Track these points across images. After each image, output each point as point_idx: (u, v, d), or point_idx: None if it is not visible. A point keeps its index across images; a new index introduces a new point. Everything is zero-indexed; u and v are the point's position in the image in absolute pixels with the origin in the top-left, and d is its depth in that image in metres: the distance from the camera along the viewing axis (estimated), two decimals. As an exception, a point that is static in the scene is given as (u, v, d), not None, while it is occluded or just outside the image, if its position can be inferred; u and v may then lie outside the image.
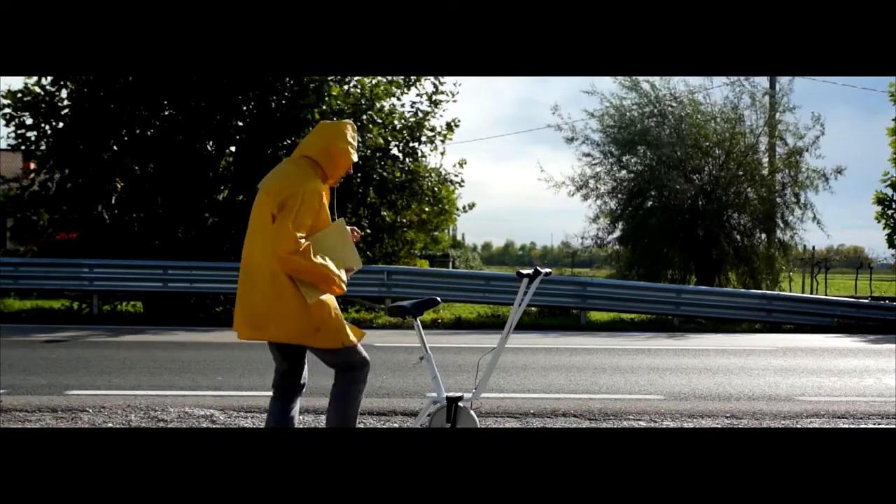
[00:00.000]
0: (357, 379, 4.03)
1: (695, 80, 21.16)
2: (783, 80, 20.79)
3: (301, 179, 3.87)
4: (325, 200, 3.97)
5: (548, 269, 4.57)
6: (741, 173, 20.38)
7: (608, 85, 24.83)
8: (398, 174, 15.96)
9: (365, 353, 4.08)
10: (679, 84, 20.93)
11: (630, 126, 20.68)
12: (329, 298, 3.94)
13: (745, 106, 20.87)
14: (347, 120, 4.13)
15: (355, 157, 4.08)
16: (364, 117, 15.69)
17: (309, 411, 6.02)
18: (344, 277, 3.92)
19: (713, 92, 21.18)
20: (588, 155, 21.16)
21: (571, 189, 21.29)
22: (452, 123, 16.73)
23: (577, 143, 21.20)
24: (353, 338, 3.99)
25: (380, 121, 16.04)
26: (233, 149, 15.90)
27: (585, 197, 21.30)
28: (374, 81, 16.11)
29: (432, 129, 16.58)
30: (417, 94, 16.66)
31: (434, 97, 16.50)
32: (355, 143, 4.06)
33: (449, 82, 16.71)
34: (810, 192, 20.66)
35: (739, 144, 20.44)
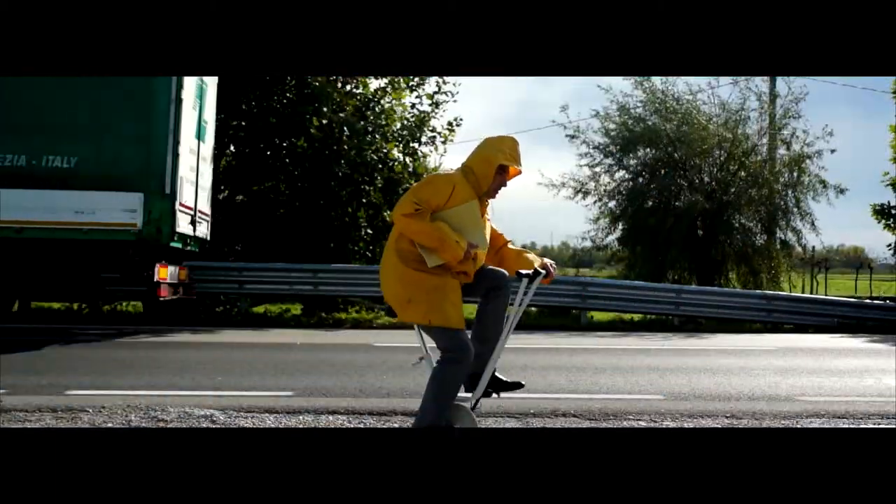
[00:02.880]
0: (448, 359, 4.22)
1: (700, 80, 21.08)
2: (795, 87, 20.59)
3: (440, 172, 4.49)
4: (466, 200, 4.26)
5: (547, 270, 4.56)
6: (743, 174, 20.36)
7: (617, 82, 24.56)
8: (399, 169, 15.93)
9: (467, 342, 4.26)
10: (683, 83, 20.89)
11: (634, 125, 20.63)
12: (434, 278, 4.21)
13: (752, 108, 20.83)
14: (510, 136, 4.45)
15: (510, 167, 4.35)
16: (362, 123, 15.68)
17: (308, 411, 6.02)
18: (464, 246, 4.16)
19: (717, 91, 21.07)
20: (588, 154, 21.13)
21: (570, 192, 21.23)
22: (454, 122, 16.69)
23: (579, 141, 21.15)
24: (449, 322, 4.19)
25: (384, 123, 16.03)
26: (232, 149, 15.90)
27: (584, 195, 21.25)
28: (375, 83, 16.11)
29: (433, 130, 16.56)
30: (417, 96, 16.63)
31: (436, 96, 16.46)
32: (510, 157, 4.32)
33: (449, 82, 16.69)
34: (811, 201, 20.64)
35: (741, 145, 20.43)
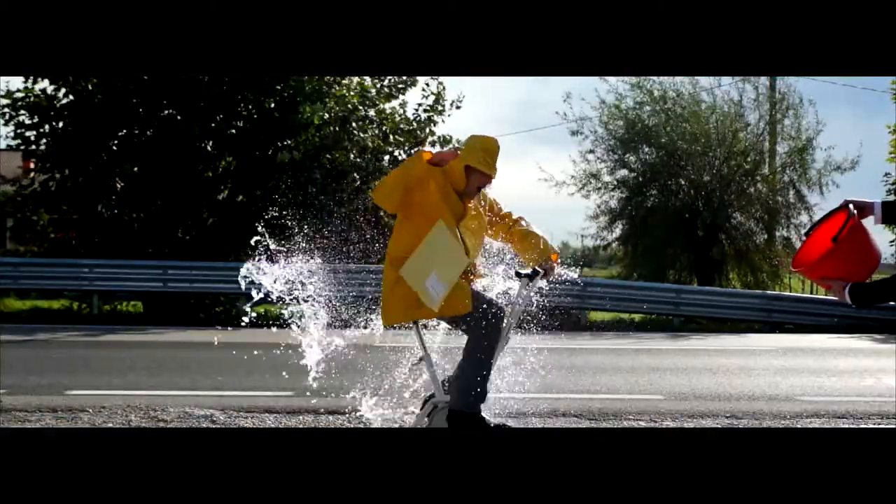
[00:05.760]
0: (477, 319, 4.22)
1: (701, 79, 21.07)
2: (790, 80, 20.67)
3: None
4: (441, 193, 4.23)
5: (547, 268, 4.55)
6: (742, 172, 20.35)
7: (613, 82, 24.18)
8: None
9: (483, 299, 4.28)
10: (683, 82, 20.84)
11: (633, 123, 20.61)
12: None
13: (750, 105, 20.81)
14: (492, 137, 4.37)
15: (484, 170, 4.30)
16: (354, 120, 15.69)
17: (308, 411, 6.02)
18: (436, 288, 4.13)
19: (717, 90, 21.02)
20: (591, 151, 21.11)
21: (573, 189, 21.19)
22: (444, 138, 16.59)
23: (581, 137, 21.13)
24: (458, 310, 4.20)
25: (377, 121, 16.05)
26: (232, 150, 15.89)
27: (586, 195, 21.22)
28: (367, 82, 16.11)
29: (433, 134, 16.55)
30: (420, 101, 16.62)
31: (434, 106, 16.42)
32: (482, 161, 4.27)
33: (451, 93, 16.77)
34: (815, 194, 20.64)
35: (741, 143, 20.42)
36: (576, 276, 4.61)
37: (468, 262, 4.31)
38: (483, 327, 4.22)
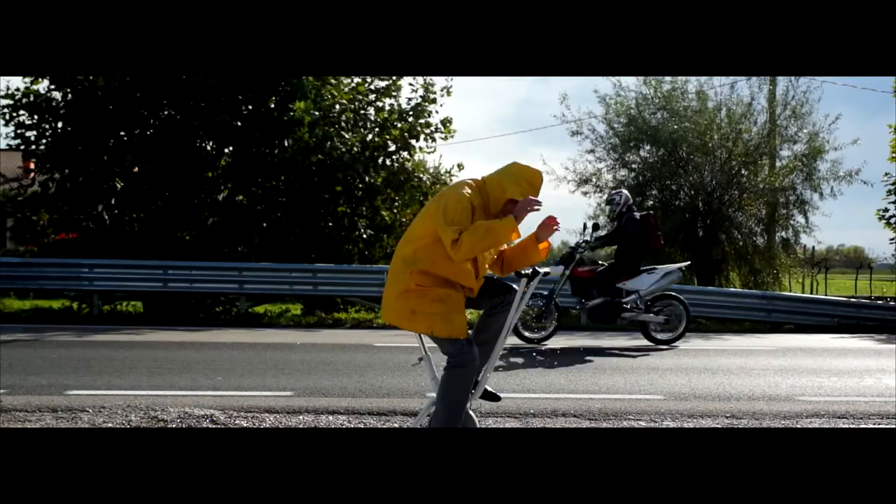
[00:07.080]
0: (454, 364, 4.25)
1: (704, 78, 20.98)
2: (801, 88, 20.58)
3: (461, 192, 4.22)
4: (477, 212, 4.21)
5: (546, 269, 4.55)
6: (744, 172, 20.32)
7: (606, 85, 24.13)
8: (385, 175, 15.91)
9: (470, 348, 4.27)
10: (689, 79, 20.75)
11: (635, 121, 20.55)
12: (437, 290, 4.19)
13: (760, 107, 20.76)
14: (538, 170, 4.34)
15: (516, 197, 4.23)
16: (344, 118, 15.71)
17: (308, 411, 6.02)
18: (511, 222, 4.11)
19: (722, 90, 20.94)
20: (591, 151, 21.09)
21: (573, 186, 21.20)
22: (446, 121, 16.61)
23: (581, 137, 21.12)
24: (453, 333, 4.19)
25: (374, 118, 16.10)
26: (231, 148, 15.89)
27: (586, 193, 21.21)
28: (356, 82, 16.17)
29: (429, 126, 16.54)
30: (413, 90, 16.66)
31: (426, 95, 16.47)
32: (523, 188, 4.22)
33: (440, 82, 16.73)
34: (816, 198, 20.62)
35: (743, 144, 20.38)
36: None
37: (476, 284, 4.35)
38: (461, 366, 4.24)
